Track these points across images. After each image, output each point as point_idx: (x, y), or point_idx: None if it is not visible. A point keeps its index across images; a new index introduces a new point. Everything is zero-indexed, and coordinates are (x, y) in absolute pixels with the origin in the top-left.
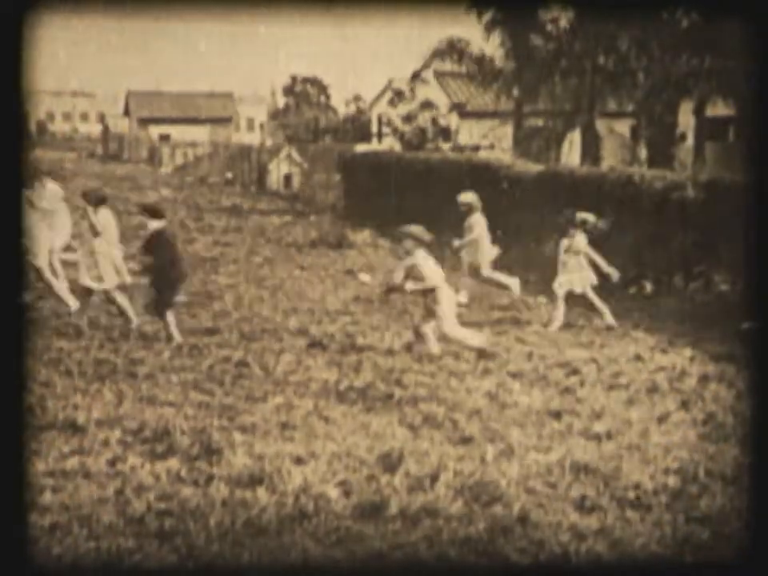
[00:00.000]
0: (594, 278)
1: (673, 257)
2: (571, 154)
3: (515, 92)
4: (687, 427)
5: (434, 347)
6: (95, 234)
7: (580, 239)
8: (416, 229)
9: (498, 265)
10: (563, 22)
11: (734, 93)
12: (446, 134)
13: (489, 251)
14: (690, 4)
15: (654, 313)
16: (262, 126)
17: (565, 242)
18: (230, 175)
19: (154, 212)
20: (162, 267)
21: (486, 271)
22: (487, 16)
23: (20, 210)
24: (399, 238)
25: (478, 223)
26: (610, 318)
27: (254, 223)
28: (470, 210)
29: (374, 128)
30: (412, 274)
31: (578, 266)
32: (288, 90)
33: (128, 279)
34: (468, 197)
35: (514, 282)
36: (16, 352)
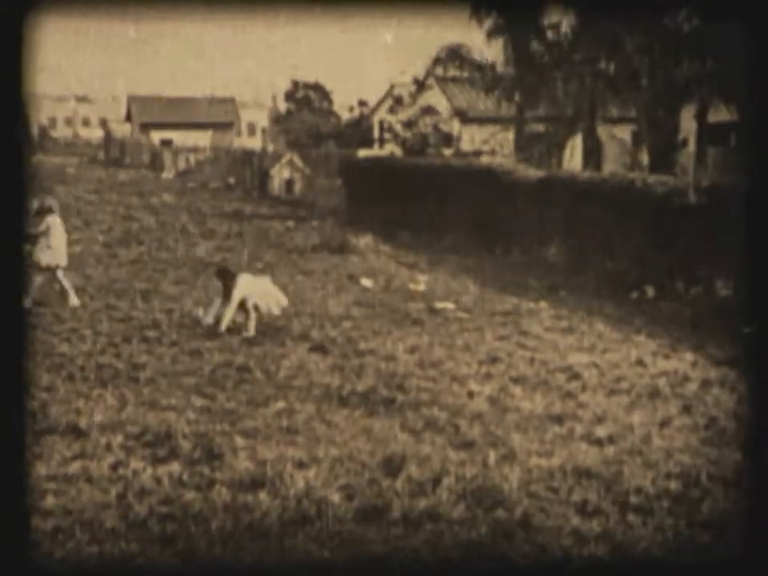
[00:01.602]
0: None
1: (674, 262)
2: (573, 159)
3: (517, 97)
4: (689, 432)
5: None
6: None
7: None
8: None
9: None
10: (564, 28)
11: (735, 98)
12: (447, 139)
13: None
14: (691, 9)
15: (656, 317)
16: (263, 131)
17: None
18: (231, 180)
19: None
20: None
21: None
22: (489, 22)
23: (22, 216)
24: None
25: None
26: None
27: (255, 228)
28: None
29: (376, 133)
30: None
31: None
32: (290, 96)
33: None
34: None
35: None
36: (18, 357)
